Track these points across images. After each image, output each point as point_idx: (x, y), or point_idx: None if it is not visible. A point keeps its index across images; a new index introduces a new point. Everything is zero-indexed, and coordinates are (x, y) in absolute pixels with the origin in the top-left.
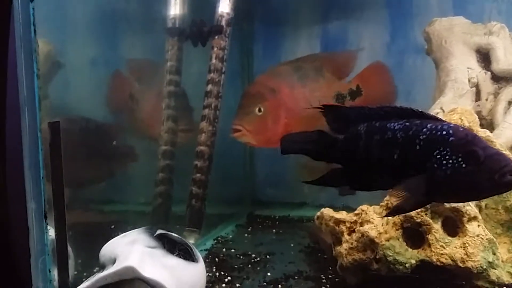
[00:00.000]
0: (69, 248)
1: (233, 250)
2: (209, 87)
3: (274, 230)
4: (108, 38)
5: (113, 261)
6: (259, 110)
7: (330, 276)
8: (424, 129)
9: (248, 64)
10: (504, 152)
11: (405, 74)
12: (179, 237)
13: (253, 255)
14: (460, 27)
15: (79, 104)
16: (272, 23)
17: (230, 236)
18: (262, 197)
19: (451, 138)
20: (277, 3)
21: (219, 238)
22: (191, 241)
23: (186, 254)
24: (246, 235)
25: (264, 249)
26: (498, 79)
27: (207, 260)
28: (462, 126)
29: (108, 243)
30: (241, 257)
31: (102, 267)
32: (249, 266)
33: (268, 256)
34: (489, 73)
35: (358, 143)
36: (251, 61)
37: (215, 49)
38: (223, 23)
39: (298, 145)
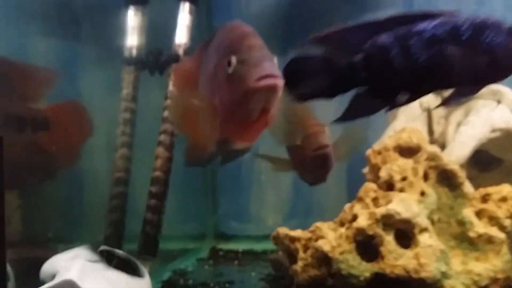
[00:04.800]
0: (9, 269)
1: (191, 281)
2: (166, 113)
3: (236, 262)
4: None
5: (53, 277)
6: None
7: None
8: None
9: None
10: None
11: None
12: (124, 253)
13: (211, 284)
14: None
15: None
16: None
17: (190, 269)
18: (226, 231)
19: None
20: None
21: (177, 270)
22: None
23: (130, 269)
24: (206, 267)
25: (224, 279)
26: None
27: None
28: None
29: (49, 260)
30: (199, 286)
31: (42, 283)
32: None
33: (227, 285)
34: (439, 97)
35: (387, 55)
36: None
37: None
38: (180, 52)
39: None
